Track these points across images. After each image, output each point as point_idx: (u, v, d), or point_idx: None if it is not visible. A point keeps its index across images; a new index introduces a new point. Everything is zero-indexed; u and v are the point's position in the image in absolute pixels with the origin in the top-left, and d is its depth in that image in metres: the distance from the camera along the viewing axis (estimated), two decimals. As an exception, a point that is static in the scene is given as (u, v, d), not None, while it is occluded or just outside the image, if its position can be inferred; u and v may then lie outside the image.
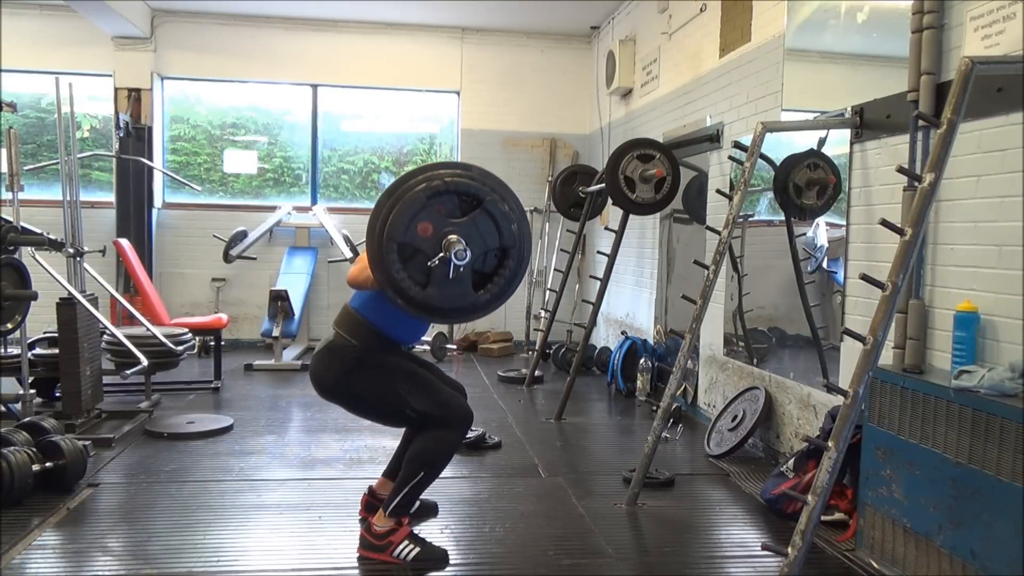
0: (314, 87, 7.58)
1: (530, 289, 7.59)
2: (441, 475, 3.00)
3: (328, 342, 2.73)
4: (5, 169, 4.19)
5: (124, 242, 6.48)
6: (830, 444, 2.30)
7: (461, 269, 2.19)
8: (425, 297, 2.21)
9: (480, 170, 2.29)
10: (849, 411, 2.29)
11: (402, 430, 3.04)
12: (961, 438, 2.31)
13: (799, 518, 2.32)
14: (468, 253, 2.16)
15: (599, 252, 6.62)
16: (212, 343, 5.98)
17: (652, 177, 4.56)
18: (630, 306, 6.41)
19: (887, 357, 2.86)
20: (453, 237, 2.16)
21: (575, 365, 5.02)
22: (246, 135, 7.66)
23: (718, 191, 4.25)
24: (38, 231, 4.14)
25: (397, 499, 2.68)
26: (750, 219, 4.34)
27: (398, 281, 2.21)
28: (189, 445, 4.07)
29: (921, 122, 2.85)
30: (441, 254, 2.17)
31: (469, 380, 6.11)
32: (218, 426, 4.35)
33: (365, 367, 2.65)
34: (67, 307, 4.11)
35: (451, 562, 2.70)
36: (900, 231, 2.33)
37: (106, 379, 4.64)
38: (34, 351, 4.57)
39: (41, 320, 5.19)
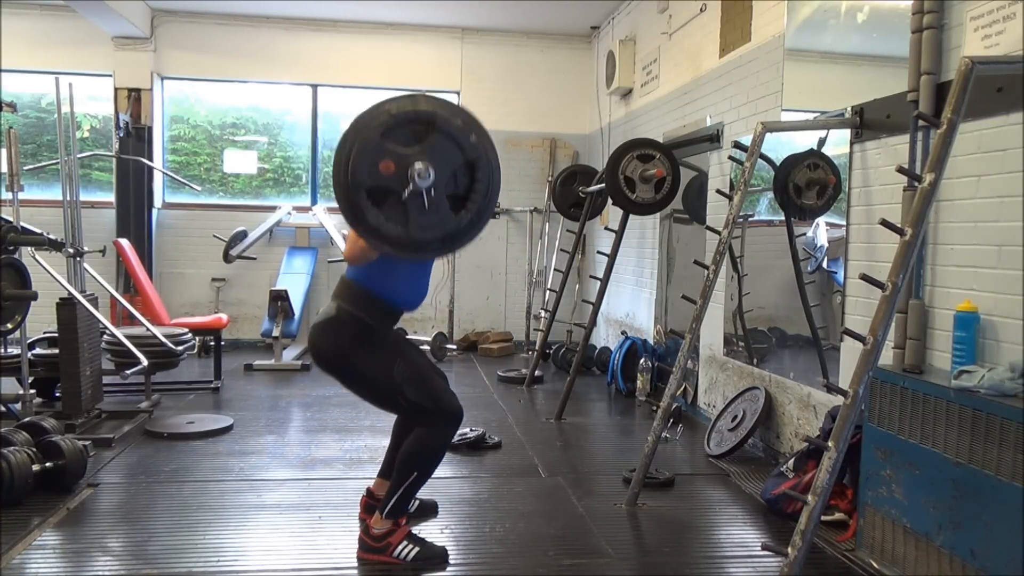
0: (314, 87, 7.57)
1: (530, 289, 7.60)
2: (441, 475, 3.00)
3: (330, 315, 2.66)
4: (5, 169, 4.19)
5: (124, 242, 6.48)
6: (830, 444, 2.30)
7: (432, 192, 2.14)
8: (408, 234, 2.17)
9: (426, 96, 2.24)
10: (849, 411, 2.29)
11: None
12: (961, 438, 2.31)
13: (799, 518, 2.32)
14: (431, 171, 2.10)
15: (599, 252, 6.62)
16: (212, 343, 5.98)
17: (652, 177, 4.56)
18: (630, 306, 6.41)
19: (887, 357, 2.86)
20: (417, 164, 2.11)
21: (575, 365, 5.02)
22: (246, 135, 7.65)
23: (718, 191, 4.25)
24: (38, 231, 4.14)
25: (392, 501, 2.67)
26: (750, 219, 4.33)
27: (377, 227, 2.16)
28: (189, 445, 4.07)
29: (921, 122, 2.85)
30: (410, 186, 2.12)
31: (469, 380, 6.11)
32: (218, 426, 4.35)
33: (367, 344, 2.60)
34: (67, 307, 4.11)
35: (451, 562, 2.71)
36: (900, 231, 2.33)
37: (106, 379, 4.64)
38: (34, 351, 4.56)
39: (41, 320, 5.18)
